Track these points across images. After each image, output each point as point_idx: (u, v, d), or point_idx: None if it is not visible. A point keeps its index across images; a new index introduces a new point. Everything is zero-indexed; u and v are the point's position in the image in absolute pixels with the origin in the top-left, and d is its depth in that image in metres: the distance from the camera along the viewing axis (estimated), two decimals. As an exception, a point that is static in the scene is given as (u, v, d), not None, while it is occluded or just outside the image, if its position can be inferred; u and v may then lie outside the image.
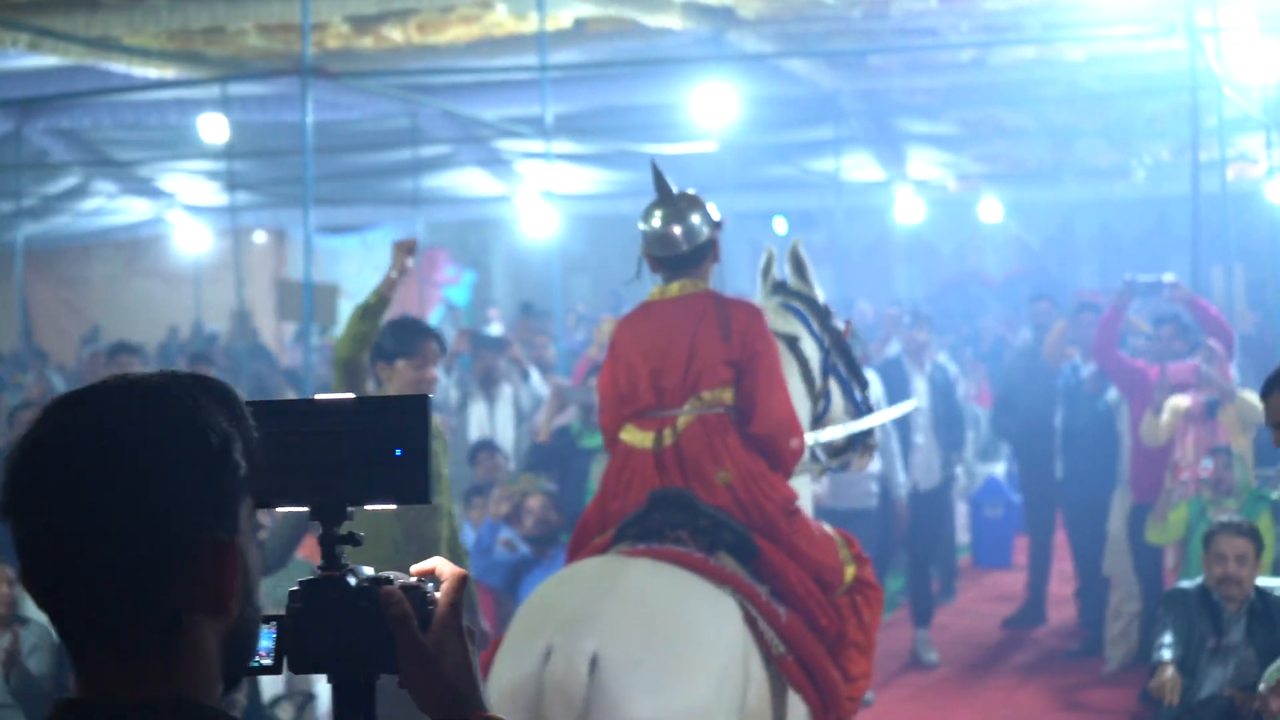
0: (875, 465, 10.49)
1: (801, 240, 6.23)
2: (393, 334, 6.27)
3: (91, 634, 1.69)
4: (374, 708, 2.00)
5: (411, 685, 1.95)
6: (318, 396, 2.01)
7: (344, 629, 1.96)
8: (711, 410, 5.33)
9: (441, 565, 1.99)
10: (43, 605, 1.71)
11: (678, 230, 5.46)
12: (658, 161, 5.70)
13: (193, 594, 1.69)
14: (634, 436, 5.41)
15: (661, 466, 5.30)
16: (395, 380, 6.21)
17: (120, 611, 1.67)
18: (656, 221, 5.49)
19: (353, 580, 1.97)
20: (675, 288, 5.49)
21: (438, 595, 1.96)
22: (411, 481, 1.94)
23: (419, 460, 1.94)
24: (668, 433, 5.33)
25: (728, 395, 5.34)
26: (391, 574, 1.97)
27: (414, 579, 1.97)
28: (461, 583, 1.97)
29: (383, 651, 1.92)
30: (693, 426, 5.31)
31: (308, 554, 9.08)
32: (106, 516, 1.64)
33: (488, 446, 10.38)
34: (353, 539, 1.98)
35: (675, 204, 5.51)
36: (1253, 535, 7.13)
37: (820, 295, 6.10)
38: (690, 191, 5.63)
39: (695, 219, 5.48)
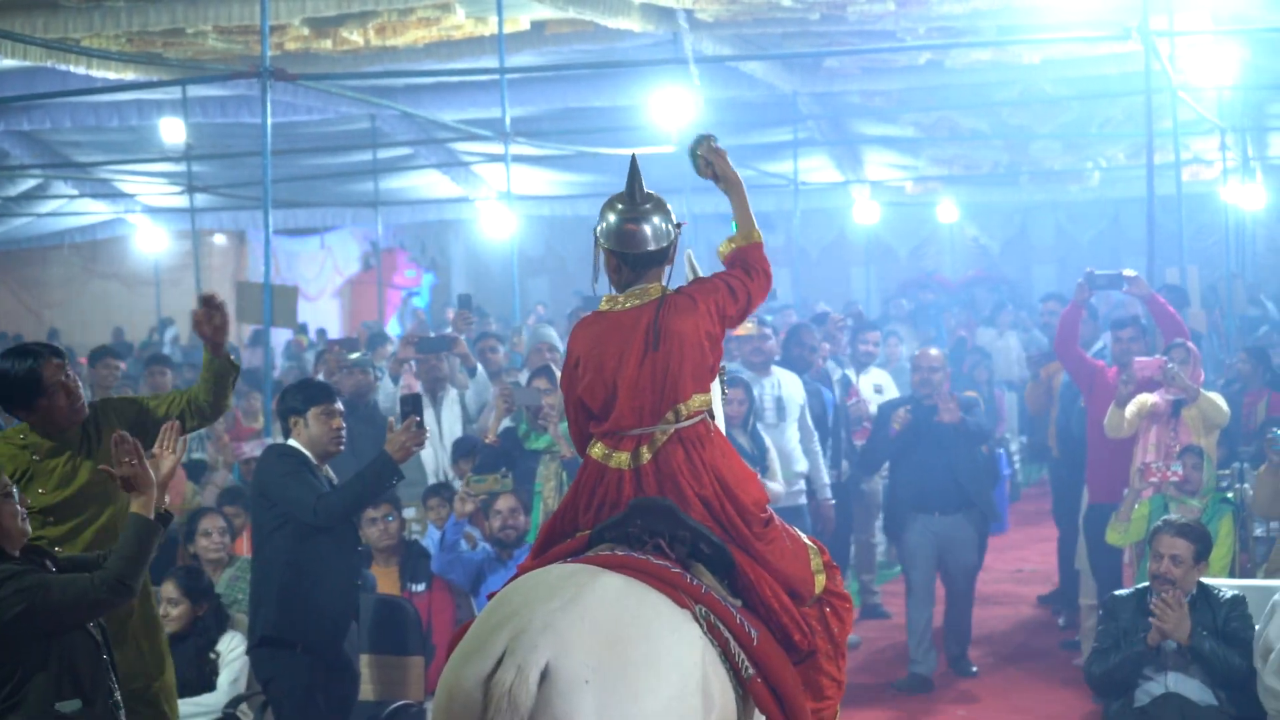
0: (802, 465, 10.62)
1: (693, 251, 6.12)
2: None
3: None
4: None
5: None
6: None
7: None
8: (688, 423, 5.28)
9: None
10: None
11: (646, 228, 5.34)
12: (636, 160, 5.52)
13: None
14: (606, 454, 5.33)
15: (638, 483, 5.24)
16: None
17: None
18: (624, 216, 5.36)
19: None
20: (628, 299, 5.35)
21: None
22: None
23: None
24: (644, 451, 5.27)
25: (701, 400, 5.29)
26: None
27: None
28: None
29: None
30: (670, 443, 5.26)
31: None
32: None
33: (469, 443, 10.33)
34: None
35: (645, 202, 5.39)
36: (1195, 538, 7.18)
37: None
38: (655, 193, 5.48)
39: (659, 219, 5.36)
